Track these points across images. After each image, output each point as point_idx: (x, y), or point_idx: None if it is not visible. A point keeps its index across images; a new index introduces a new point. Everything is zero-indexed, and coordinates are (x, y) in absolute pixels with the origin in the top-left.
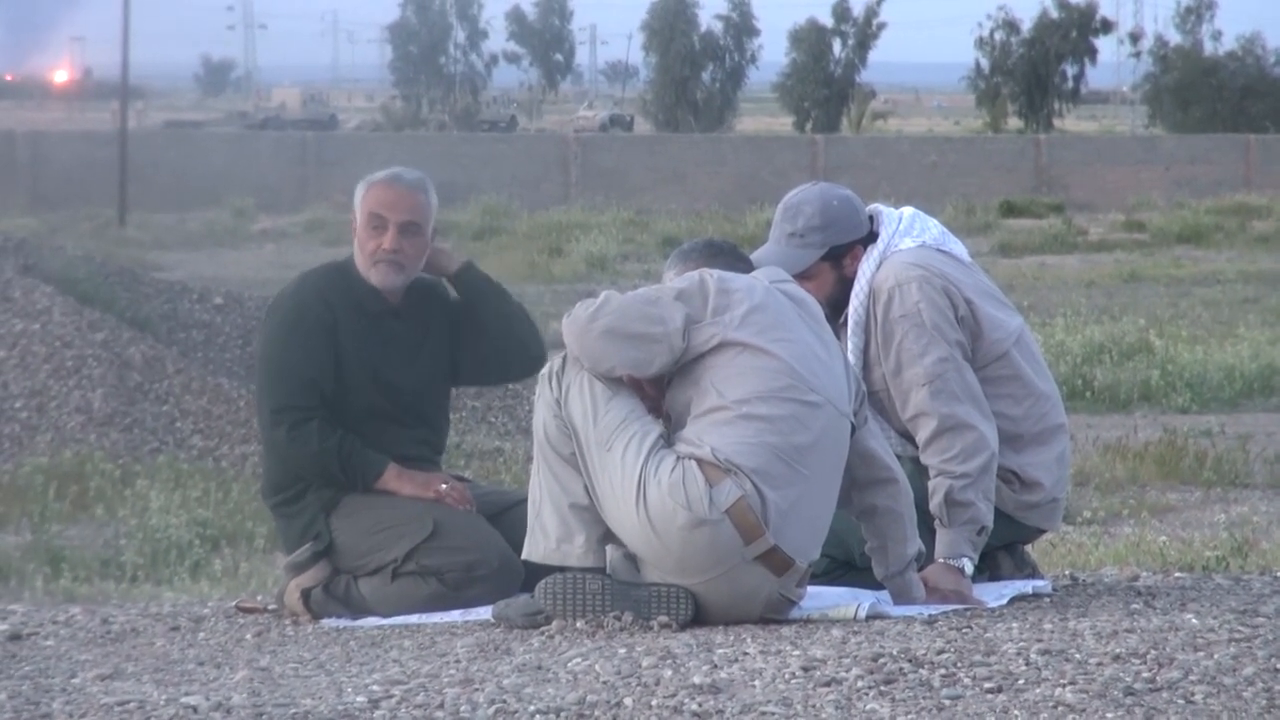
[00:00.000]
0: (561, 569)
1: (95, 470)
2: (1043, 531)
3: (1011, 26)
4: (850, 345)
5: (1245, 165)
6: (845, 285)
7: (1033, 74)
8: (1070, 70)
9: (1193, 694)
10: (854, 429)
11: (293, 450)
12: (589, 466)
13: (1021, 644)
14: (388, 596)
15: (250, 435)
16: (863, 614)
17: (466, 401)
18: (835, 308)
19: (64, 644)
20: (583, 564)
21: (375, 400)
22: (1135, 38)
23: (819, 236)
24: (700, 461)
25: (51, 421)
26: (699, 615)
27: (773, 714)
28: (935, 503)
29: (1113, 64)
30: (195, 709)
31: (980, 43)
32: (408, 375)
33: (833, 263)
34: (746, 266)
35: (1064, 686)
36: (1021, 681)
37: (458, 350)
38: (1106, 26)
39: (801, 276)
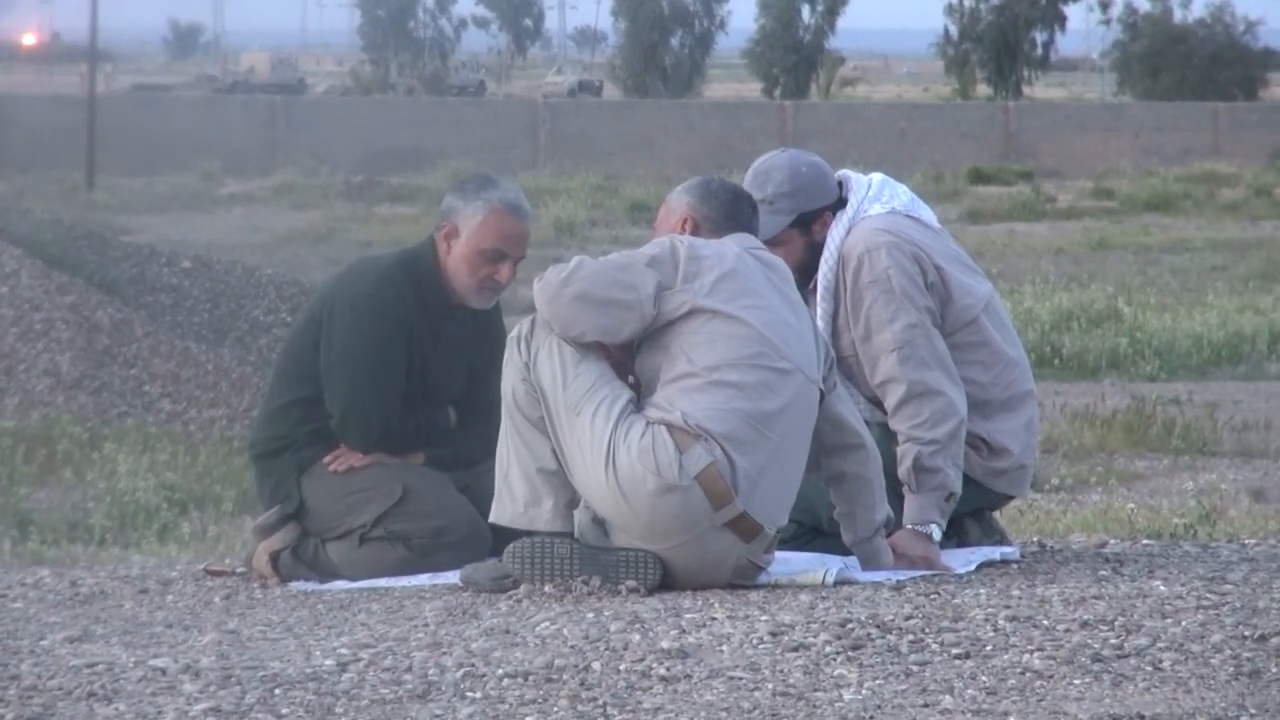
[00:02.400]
0: (529, 533)
1: (63, 433)
2: (1011, 498)
3: None
4: (819, 311)
5: (1214, 133)
6: (815, 251)
7: (1002, 41)
8: (1039, 37)
9: (1160, 661)
10: (823, 395)
11: (383, 445)
12: (557, 431)
13: (989, 610)
14: (355, 561)
15: (218, 399)
16: (831, 579)
17: None
18: (804, 274)
19: (32, 606)
20: (551, 528)
21: (413, 393)
22: (1105, 5)
23: (788, 203)
24: (670, 427)
25: (19, 384)
26: (667, 580)
27: (740, 679)
28: (904, 468)
29: (1082, 31)
30: (164, 671)
31: (949, 9)
32: (449, 378)
33: (802, 229)
34: (758, 222)
35: (1032, 653)
36: (989, 648)
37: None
38: None
39: (770, 243)
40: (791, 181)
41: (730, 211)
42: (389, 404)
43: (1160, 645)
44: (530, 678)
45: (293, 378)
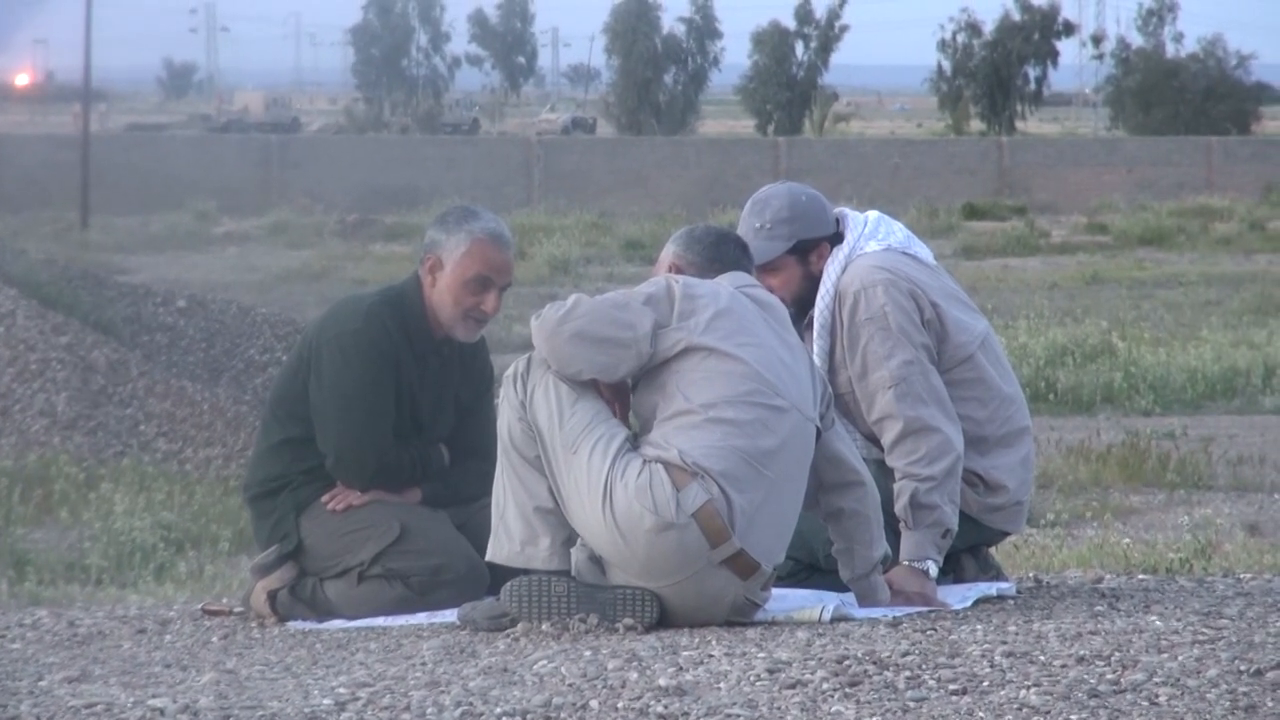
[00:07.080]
0: (526, 572)
1: (59, 473)
2: (1007, 534)
3: (974, 29)
4: (816, 348)
5: (1207, 167)
6: (811, 283)
7: (995, 76)
8: (1032, 72)
9: (1156, 696)
10: (820, 433)
11: (380, 480)
12: (554, 469)
13: (986, 646)
14: (353, 599)
15: (214, 438)
16: (827, 616)
17: None
18: (801, 307)
19: (30, 647)
20: (548, 566)
21: (405, 427)
22: (1097, 40)
23: (786, 229)
24: (667, 465)
25: (15, 425)
26: (664, 618)
27: (738, 716)
28: (900, 505)
29: (1075, 66)
30: (162, 711)
31: (942, 45)
32: (439, 413)
33: (799, 257)
34: (749, 261)
35: (1028, 688)
36: (986, 683)
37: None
38: (1069, 29)
39: (767, 269)
40: (790, 209)
41: (714, 254)
42: (382, 439)
43: (1156, 680)
44: (528, 716)
45: (283, 418)
